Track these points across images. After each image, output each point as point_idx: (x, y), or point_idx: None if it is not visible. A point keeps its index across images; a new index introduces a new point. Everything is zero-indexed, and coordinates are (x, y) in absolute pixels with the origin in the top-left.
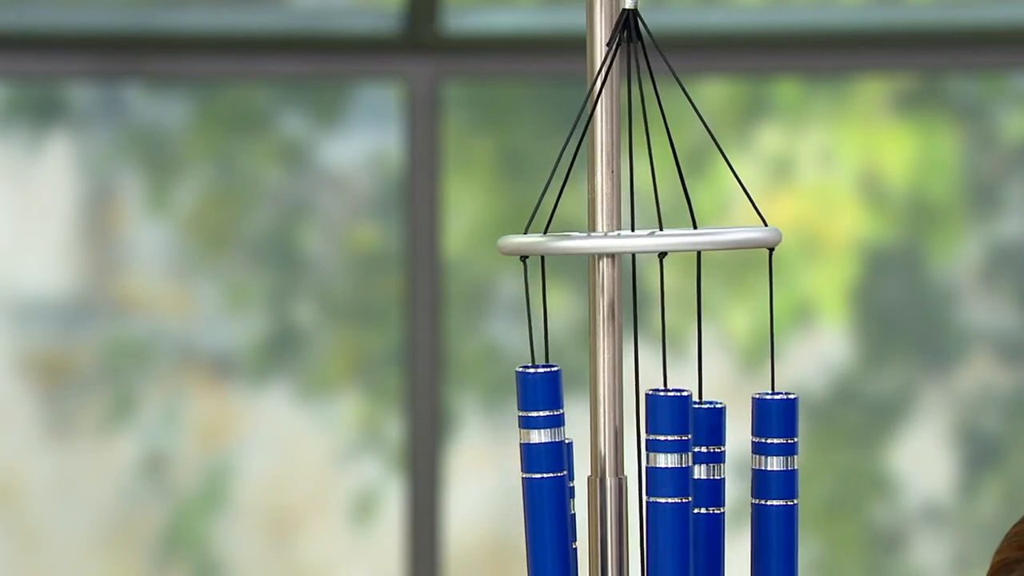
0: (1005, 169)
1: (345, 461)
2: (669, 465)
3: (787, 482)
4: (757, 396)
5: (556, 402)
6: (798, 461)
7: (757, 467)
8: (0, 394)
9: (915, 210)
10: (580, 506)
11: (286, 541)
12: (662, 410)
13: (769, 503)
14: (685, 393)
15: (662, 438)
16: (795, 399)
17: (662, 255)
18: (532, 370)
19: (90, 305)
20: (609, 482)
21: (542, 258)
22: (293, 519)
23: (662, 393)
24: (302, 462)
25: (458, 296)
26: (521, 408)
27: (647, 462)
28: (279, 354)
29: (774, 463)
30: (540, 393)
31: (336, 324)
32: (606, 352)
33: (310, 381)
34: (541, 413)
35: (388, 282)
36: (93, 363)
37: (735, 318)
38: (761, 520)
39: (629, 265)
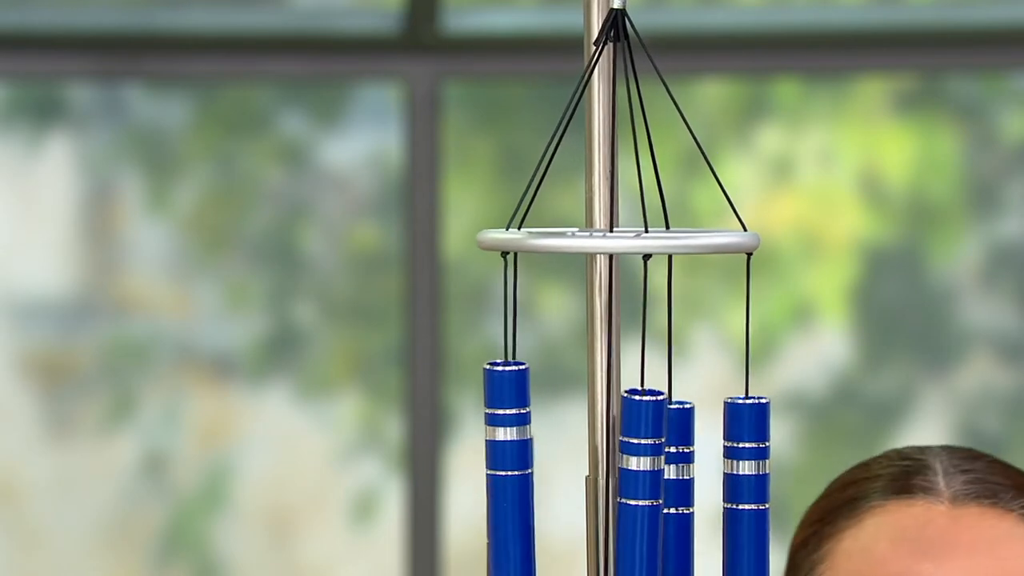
0: (1005, 169)
1: (345, 461)
2: (642, 468)
3: (759, 486)
4: (729, 400)
5: (523, 400)
6: (770, 465)
7: (729, 471)
8: None
9: (915, 210)
10: (571, 504)
11: (286, 541)
12: (636, 413)
13: (741, 507)
14: (661, 397)
15: (635, 441)
16: (767, 403)
17: (646, 257)
18: (500, 367)
19: (90, 305)
20: (605, 482)
21: (515, 255)
22: (293, 519)
23: (636, 396)
24: (302, 462)
25: (458, 296)
26: (487, 405)
27: (619, 463)
28: (279, 354)
29: (746, 467)
30: (507, 390)
31: (336, 324)
32: (603, 351)
33: (310, 381)
34: (508, 411)
35: (388, 282)
36: (93, 363)
37: (734, 318)
38: (733, 524)
39: (628, 265)
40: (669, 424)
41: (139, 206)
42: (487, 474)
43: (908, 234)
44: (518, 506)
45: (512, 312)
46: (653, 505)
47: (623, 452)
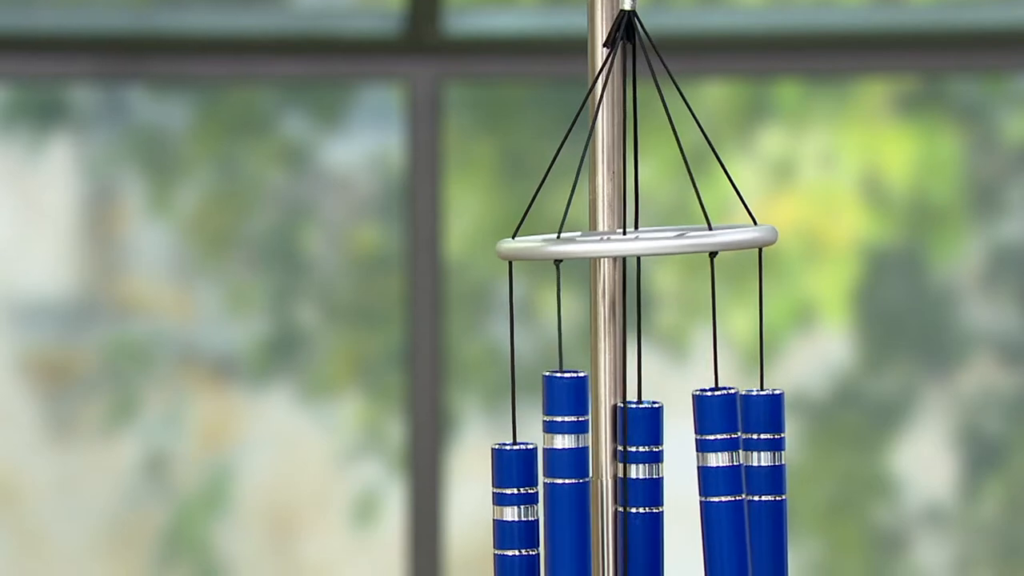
0: (1006, 171)
1: (346, 463)
2: (722, 464)
3: (775, 477)
4: (743, 393)
5: (582, 407)
6: (785, 456)
7: (746, 463)
8: (2, 395)
9: (916, 212)
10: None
11: (287, 542)
12: (709, 409)
13: (758, 499)
14: (732, 391)
15: (711, 437)
16: (781, 394)
17: (713, 254)
18: (559, 375)
19: (92, 307)
20: (610, 483)
21: (510, 264)
22: (294, 521)
23: (709, 393)
24: (303, 464)
25: (459, 297)
26: (546, 413)
27: (697, 462)
28: (280, 356)
29: (762, 459)
30: (566, 398)
31: (337, 325)
32: (607, 353)
33: (311, 383)
34: (566, 418)
35: (389, 283)
36: (95, 364)
37: (736, 318)
38: (751, 516)
39: (633, 263)
40: (637, 424)
41: (141, 208)
42: (544, 482)
43: (909, 236)
44: (576, 514)
45: (512, 319)
46: (735, 500)
47: (700, 451)
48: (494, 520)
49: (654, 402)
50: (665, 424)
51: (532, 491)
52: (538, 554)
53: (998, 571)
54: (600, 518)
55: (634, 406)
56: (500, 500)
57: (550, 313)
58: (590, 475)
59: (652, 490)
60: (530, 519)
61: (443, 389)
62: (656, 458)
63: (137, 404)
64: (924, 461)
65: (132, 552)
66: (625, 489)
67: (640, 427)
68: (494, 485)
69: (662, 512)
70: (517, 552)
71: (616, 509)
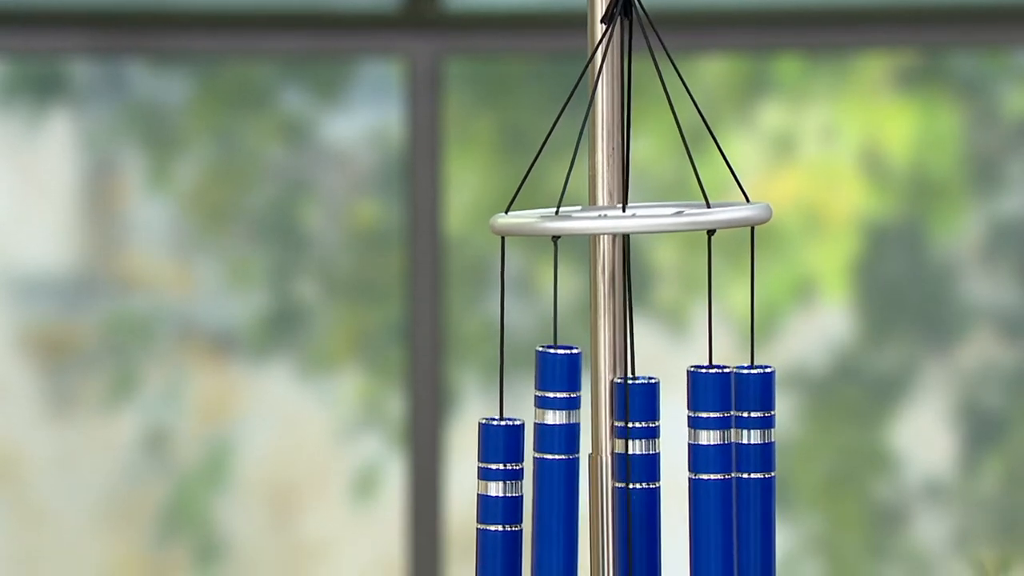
0: (1006, 145)
1: (346, 438)
2: (712, 442)
3: (765, 455)
4: (734, 371)
5: (574, 384)
6: (775, 433)
7: (737, 441)
8: (1, 371)
9: (916, 186)
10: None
11: (287, 517)
12: (705, 386)
13: (747, 476)
14: (727, 369)
15: (704, 415)
16: (772, 372)
17: (710, 232)
18: (552, 350)
19: (91, 281)
20: (609, 459)
21: (502, 239)
22: (294, 495)
23: (703, 370)
24: (303, 439)
25: (459, 273)
26: (538, 388)
27: (688, 438)
28: (280, 331)
29: (752, 436)
30: (559, 374)
31: (337, 301)
32: (607, 329)
33: (311, 358)
34: (558, 394)
35: (389, 259)
36: (94, 339)
37: (735, 294)
38: (740, 493)
39: (635, 242)
40: (634, 400)
41: (140, 182)
42: (534, 457)
43: (909, 210)
44: (564, 490)
45: (501, 292)
46: (724, 479)
47: (692, 427)
48: (478, 494)
49: (650, 378)
50: (666, 400)
51: (517, 467)
52: (521, 530)
53: (997, 545)
54: (600, 494)
55: (631, 382)
56: (485, 475)
57: (550, 288)
58: (579, 451)
59: (649, 465)
60: (514, 495)
61: (443, 364)
62: (652, 434)
63: (137, 379)
64: (924, 436)
65: (132, 527)
66: (615, 463)
67: (636, 403)
68: (480, 460)
69: (659, 488)
70: (500, 527)
71: (614, 485)
